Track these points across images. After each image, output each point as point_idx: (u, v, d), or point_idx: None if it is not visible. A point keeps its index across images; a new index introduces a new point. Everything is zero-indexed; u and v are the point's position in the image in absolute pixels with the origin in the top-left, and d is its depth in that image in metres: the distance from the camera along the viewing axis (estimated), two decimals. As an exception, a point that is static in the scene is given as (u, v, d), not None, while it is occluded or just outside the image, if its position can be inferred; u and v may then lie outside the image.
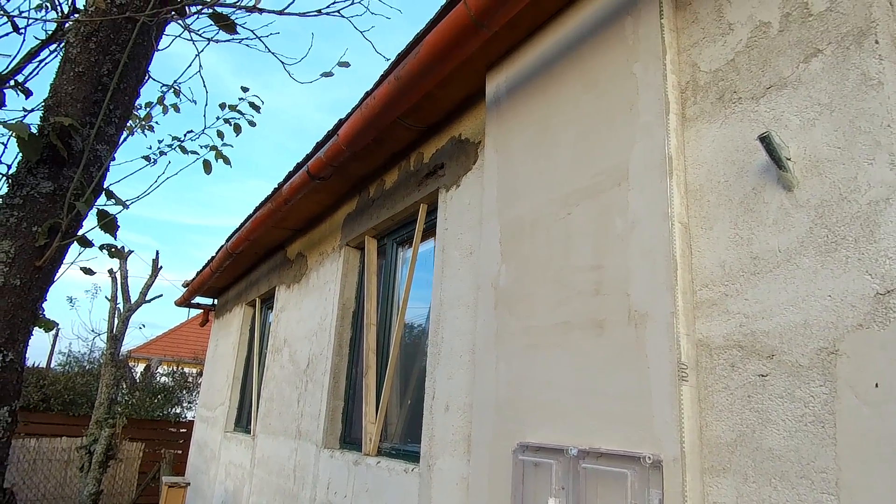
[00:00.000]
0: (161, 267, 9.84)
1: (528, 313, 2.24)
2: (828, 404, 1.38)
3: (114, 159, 1.46)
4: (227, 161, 2.21)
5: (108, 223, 1.45)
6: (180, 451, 10.06)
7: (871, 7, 1.48)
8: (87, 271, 1.52)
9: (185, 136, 2.11)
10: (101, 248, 1.57)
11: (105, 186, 1.46)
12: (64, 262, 1.40)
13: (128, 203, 1.49)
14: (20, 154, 1.32)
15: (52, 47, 1.49)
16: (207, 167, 2.09)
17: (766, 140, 1.54)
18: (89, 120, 1.41)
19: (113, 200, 1.49)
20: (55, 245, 1.33)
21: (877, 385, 1.31)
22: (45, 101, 1.41)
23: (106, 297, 9.57)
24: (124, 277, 9.33)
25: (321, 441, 4.12)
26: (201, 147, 2.11)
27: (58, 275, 1.39)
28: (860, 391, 1.33)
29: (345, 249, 4.47)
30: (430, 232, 3.54)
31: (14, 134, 1.25)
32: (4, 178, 1.34)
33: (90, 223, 1.47)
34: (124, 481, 9.39)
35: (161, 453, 8.63)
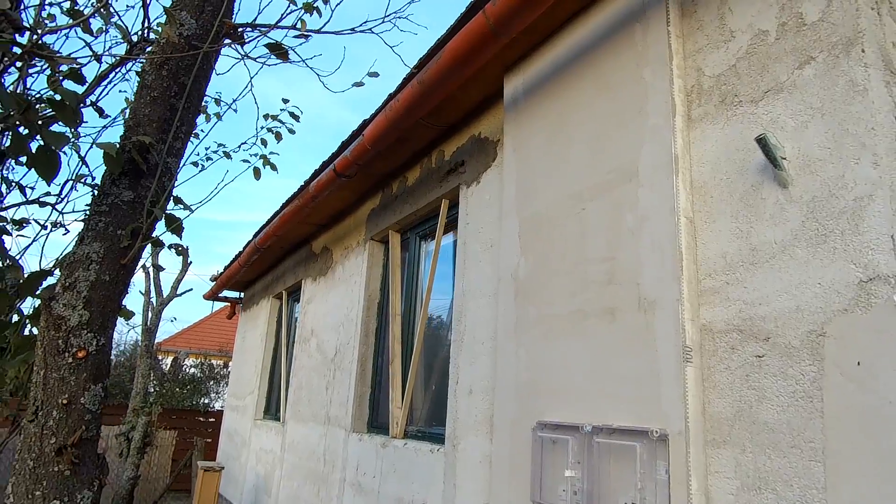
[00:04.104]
0: (191, 262, 10.17)
1: (546, 302, 2.41)
2: (816, 381, 1.54)
3: (179, 169, 1.67)
4: (273, 167, 2.42)
5: (176, 226, 1.67)
6: (210, 440, 10.43)
7: (858, 18, 1.61)
8: (158, 268, 1.73)
9: (238, 147, 2.34)
10: (170, 247, 1.79)
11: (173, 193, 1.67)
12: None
13: (193, 208, 1.70)
14: (105, 168, 1.53)
15: (118, 72, 1.70)
16: (257, 174, 2.31)
17: (762, 141, 1.68)
18: (162, 137, 1.61)
19: (181, 206, 1.71)
20: (137, 245, 1.54)
21: (859, 363, 1.46)
22: (125, 122, 1.63)
23: (140, 292, 9.94)
24: (156, 267, 9.68)
25: (349, 426, 4.34)
26: (251, 156, 2.33)
27: (135, 271, 1.60)
28: (844, 369, 1.48)
29: (369, 244, 4.66)
30: (451, 226, 3.72)
31: (104, 151, 1.46)
32: (91, 188, 1.56)
33: (159, 226, 1.67)
34: (159, 467, 9.79)
35: (192, 441, 8.97)
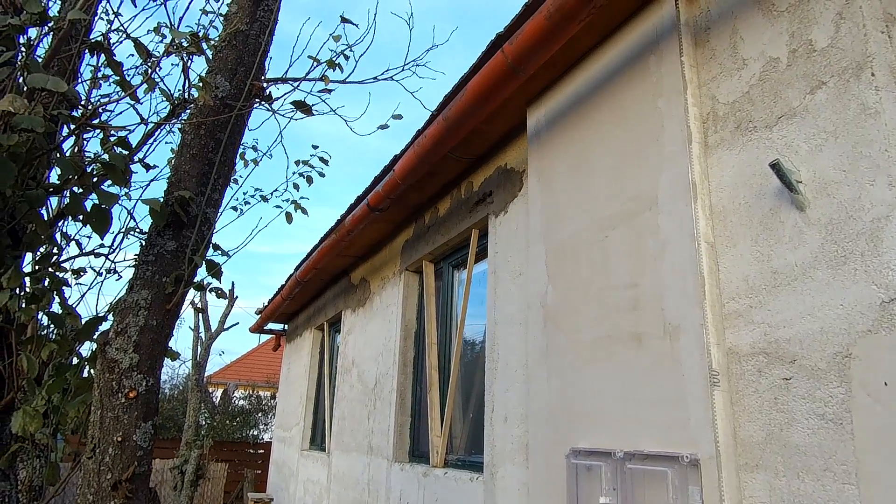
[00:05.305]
0: (237, 297, 10.51)
1: (574, 329, 2.44)
2: (844, 403, 1.53)
3: (217, 218, 1.81)
4: (304, 212, 2.57)
5: (216, 271, 1.81)
6: (260, 471, 10.60)
7: (867, 43, 1.63)
8: (197, 309, 1.86)
9: (271, 194, 2.50)
10: (210, 290, 1.93)
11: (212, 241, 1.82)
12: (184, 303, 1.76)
13: (230, 253, 1.85)
14: (151, 221, 1.69)
15: (164, 128, 1.87)
16: (289, 218, 2.47)
17: (776, 167, 1.71)
18: (201, 190, 1.77)
19: (219, 252, 1.85)
20: (180, 291, 1.68)
21: (886, 384, 1.45)
22: (168, 178, 1.79)
23: (189, 328, 10.33)
24: (204, 308, 10.04)
25: (391, 455, 4.40)
26: (283, 202, 2.49)
27: (181, 313, 1.74)
28: (872, 390, 1.48)
29: (405, 274, 4.77)
30: (482, 254, 3.78)
31: (149, 206, 1.62)
32: (139, 239, 1.72)
33: (201, 271, 1.81)
34: (212, 500, 10.00)
35: (243, 473, 9.15)
